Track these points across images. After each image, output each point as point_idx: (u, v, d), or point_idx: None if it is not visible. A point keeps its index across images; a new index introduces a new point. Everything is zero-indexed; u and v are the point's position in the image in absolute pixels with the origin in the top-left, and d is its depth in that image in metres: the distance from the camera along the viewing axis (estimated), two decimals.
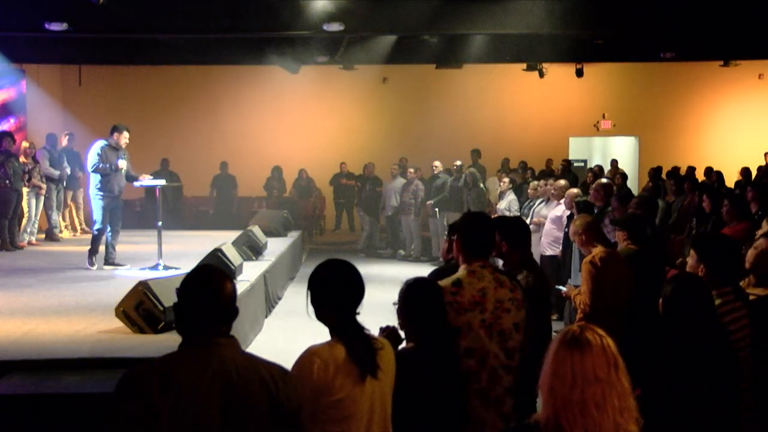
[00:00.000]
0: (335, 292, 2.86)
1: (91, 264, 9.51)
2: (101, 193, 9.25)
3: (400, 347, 3.33)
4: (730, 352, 3.57)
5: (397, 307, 3.40)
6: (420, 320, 3.31)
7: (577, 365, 2.18)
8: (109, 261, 9.57)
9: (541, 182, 10.64)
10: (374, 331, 3.03)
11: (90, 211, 9.67)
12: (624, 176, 14.21)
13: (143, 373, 2.31)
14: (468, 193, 13.38)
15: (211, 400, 2.30)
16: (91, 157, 9.20)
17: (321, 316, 2.89)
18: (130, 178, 9.52)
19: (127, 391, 2.29)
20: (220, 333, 2.41)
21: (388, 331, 3.40)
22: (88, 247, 9.60)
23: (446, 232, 13.56)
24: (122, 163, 9.34)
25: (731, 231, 6.62)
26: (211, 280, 2.45)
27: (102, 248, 9.60)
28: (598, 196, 7.85)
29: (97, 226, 9.39)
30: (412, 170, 14.60)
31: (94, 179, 9.25)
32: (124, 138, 9.45)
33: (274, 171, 17.32)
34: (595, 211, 7.70)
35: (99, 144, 9.29)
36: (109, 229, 9.44)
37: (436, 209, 13.83)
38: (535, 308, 3.88)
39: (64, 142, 13.75)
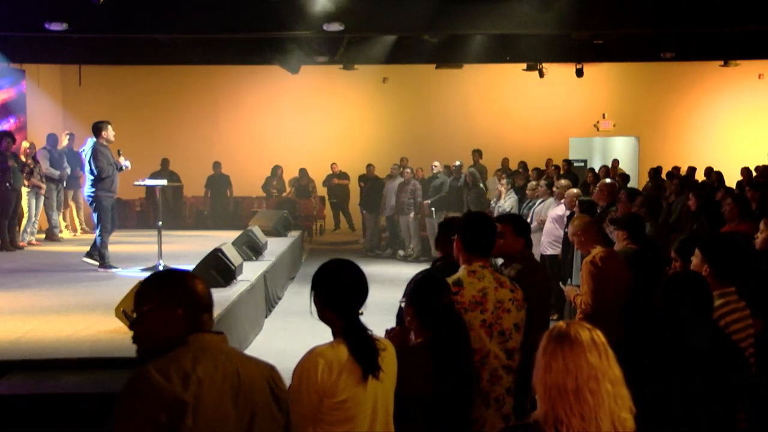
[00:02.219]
0: (339, 292, 2.85)
1: (112, 266, 9.29)
2: (105, 194, 9.16)
3: (410, 344, 3.32)
4: (731, 350, 3.56)
5: (404, 304, 3.38)
6: (431, 314, 3.28)
7: (568, 356, 2.22)
8: (94, 257, 9.44)
9: (541, 182, 10.64)
10: (377, 332, 3.02)
11: (92, 212, 9.51)
12: (624, 177, 14.18)
13: (161, 369, 2.23)
14: (468, 193, 13.39)
15: (224, 394, 2.30)
16: (95, 161, 9.02)
17: (324, 316, 2.87)
18: (119, 169, 9.49)
19: (148, 387, 2.20)
20: (211, 329, 2.40)
21: (393, 333, 3.39)
22: (99, 252, 9.33)
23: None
24: (122, 159, 9.34)
25: (734, 231, 6.59)
26: (179, 284, 2.38)
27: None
28: (602, 195, 7.85)
29: (105, 228, 9.22)
30: (408, 170, 14.62)
31: (95, 181, 9.09)
32: (112, 133, 9.33)
33: (274, 171, 17.33)
34: (598, 210, 7.70)
35: (94, 146, 9.11)
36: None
37: (433, 209, 13.83)
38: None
39: (64, 142, 13.76)
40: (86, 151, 9.21)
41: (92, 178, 9.12)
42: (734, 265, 4.05)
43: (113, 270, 9.27)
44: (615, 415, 2.21)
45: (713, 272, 3.93)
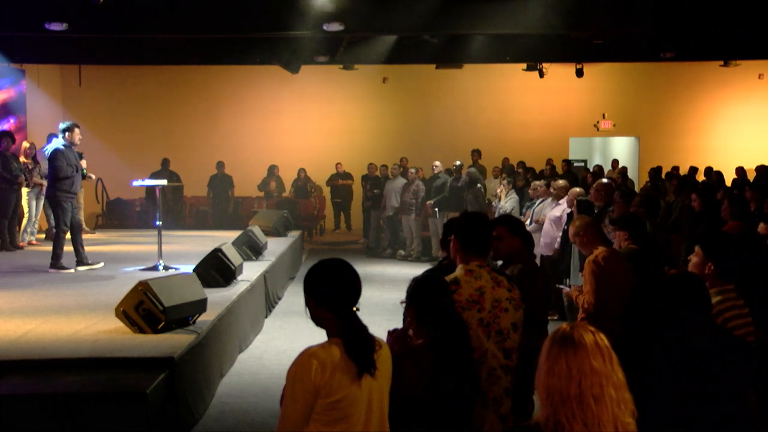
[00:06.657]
0: (336, 290, 2.82)
1: (64, 267, 9.21)
2: (64, 195, 9.13)
3: (411, 345, 3.31)
4: (735, 344, 3.56)
5: (405, 304, 3.38)
6: (432, 314, 3.27)
7: (572, 360, 2.19)
8: (83, 262, 9.40)
9: (542, 182, 10.63)
10: (377, 331, 3.00)
11: (58, 214, 9.27)
12: (624, 176, 14.18)
13: None
14: (466, 194, 13.38)
15: None
16: (55, 161, 9.02)
17: (318, 316, 2.84)
18: (83, 176, 9.49)
19: None
20: None
21: (396, 334, 3.38)
22: (52, 253, 9.23)
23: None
24: (84, 162, 9.34)
25: (729, 230, 6.60)
26: None
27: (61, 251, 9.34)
28: (599, 195, 7.84)
29: (63, 228, 9.17)
30: (413, 170, 14.62)
31: (54, 180, 9.09)
32: (78, 135, 9.35)
33: (271, 170, 17.32)
34: (596, 210, 7.69)
35: (58, 149, 9.10)
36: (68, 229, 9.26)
37: (436, 209, 13.84)
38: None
39: None
40: (48, 151, 9.23)
41: (51, 177, 9.17)
42: (734, 262, 4.05)
43: (66, 271, 9.14)
44: (618, 420, 2.18)
45: (716, 270, 3.92)
